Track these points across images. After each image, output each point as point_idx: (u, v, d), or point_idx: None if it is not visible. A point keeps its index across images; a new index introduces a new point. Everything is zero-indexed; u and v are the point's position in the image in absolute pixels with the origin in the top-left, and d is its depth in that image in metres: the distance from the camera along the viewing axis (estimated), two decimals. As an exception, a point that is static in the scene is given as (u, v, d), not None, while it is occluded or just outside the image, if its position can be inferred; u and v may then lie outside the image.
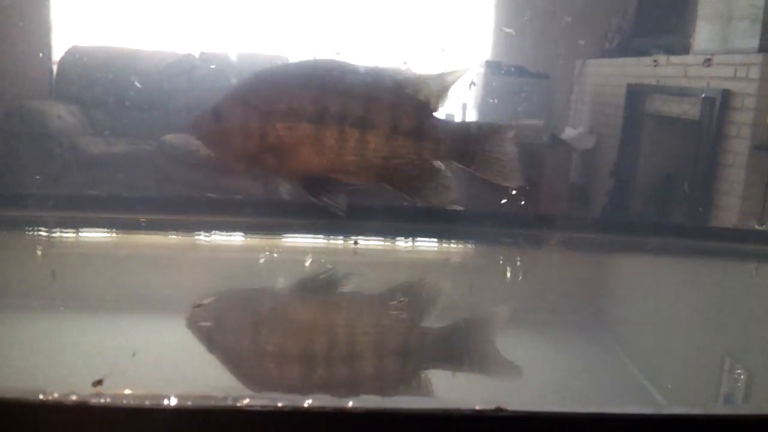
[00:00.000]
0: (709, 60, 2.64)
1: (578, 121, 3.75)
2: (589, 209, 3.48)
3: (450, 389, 0.65)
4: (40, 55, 3.33)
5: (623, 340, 0.82)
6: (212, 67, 3.45)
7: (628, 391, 0.68)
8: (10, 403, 0.50)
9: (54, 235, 1.04)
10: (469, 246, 1.18)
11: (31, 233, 1.05)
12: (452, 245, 1.17)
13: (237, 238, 1.11)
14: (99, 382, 0.54)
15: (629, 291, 1.04)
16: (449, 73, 0.99)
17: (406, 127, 0.94)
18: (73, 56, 3.39)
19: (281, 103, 0.92)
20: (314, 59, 0.98)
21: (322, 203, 0.97)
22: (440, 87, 0.97)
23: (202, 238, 1.08)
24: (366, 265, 1.03)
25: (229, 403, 0.51)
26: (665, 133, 3.05)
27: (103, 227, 1.07)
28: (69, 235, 1.07)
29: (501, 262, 1.15)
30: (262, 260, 1.03)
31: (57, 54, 3.42)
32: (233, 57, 3.53)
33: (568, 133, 3.63)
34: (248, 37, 3.61)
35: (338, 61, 0.98)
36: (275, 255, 1.06)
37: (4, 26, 3.02)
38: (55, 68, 3.40)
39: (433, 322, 0.81)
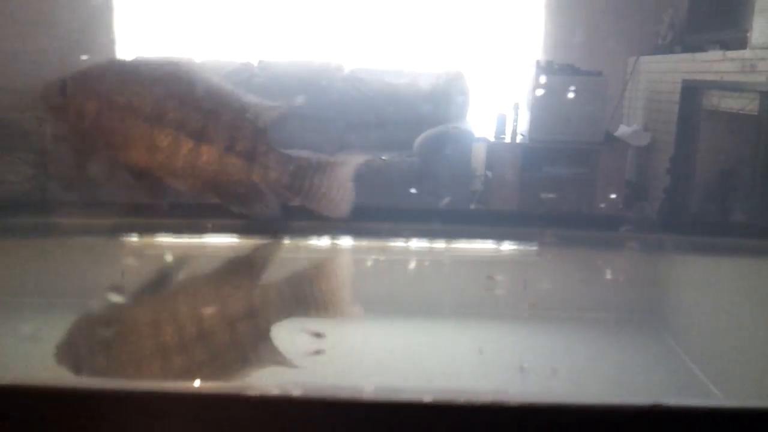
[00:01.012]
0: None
1: (632, 118, 3.74)
2: (646, 207, 3.46)
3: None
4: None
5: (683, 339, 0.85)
6: (270, 75, 3.54)
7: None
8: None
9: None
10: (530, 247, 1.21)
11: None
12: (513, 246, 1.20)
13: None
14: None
15: (691, 291, 1.05)
16: (277, 107, 1.02)
17: (240, 149, 0.96)
18: (137, 67, 3.52)
19: (122, 95, 0.94)
20: (177, 61, 1.00)
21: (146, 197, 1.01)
22: (275, 117, 0.99)
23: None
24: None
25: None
26: (722, 129, 3.03)
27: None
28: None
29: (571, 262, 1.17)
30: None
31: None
32: (290, 65, 3.62)
33: (622, 130, 3.62)
34: (304, 45, 3.70)
35: (196, 69, 1.01)
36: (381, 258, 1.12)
37: (71, 40, 3.16)
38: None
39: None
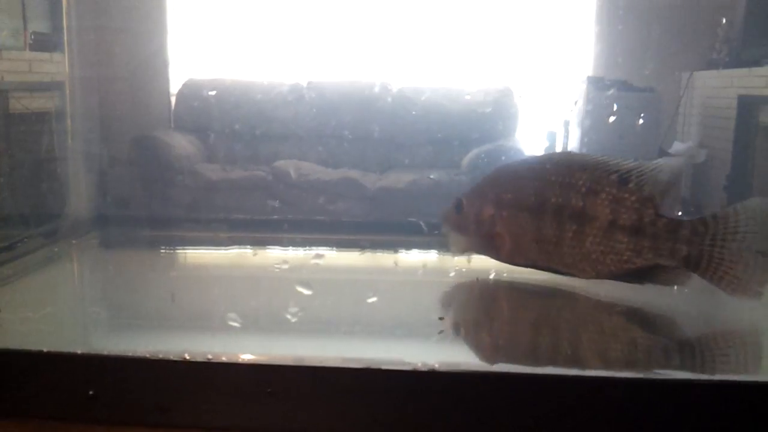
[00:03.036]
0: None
1: (687, 134, 3.68)
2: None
3: None
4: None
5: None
6: (319, 95, 3.59)
7: None
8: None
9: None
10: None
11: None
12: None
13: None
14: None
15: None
16: (675, 168, 0.92)
17: (623, 223, 0.89)
18: (189, 89, 3.59)
19: (508, 193, 0.96)
20: (549, 153, 1.00)
21: None
22: (666, 181, 0.90)
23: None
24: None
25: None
26: (780, 144, 2.97)
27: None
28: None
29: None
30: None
31: (175, 87, 3.63)
32: (338, 84, 3.66)
33: (677, 147, 3.56)
34: (353, 64, 3.73)
35: (571, 154, 1.01)
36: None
37: (134, 65, 3.25)
38: (173, 100, 3.61)
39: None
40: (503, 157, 3.28)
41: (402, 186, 3.32)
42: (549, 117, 3.70)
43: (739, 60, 3.32)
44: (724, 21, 3.45)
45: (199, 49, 3.71)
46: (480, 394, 0.65)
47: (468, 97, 3.64)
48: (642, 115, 2.98)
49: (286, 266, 1.04)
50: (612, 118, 3.27)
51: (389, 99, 3.66)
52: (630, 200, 0.89)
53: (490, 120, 3.57)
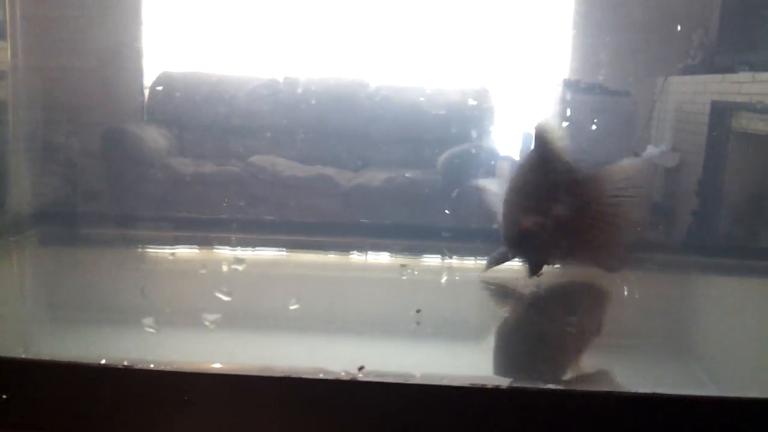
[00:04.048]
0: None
1: (660, 139, 3.69)
2: (674, 229, 3.41)
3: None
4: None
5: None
6: (296, 91, 3.57)
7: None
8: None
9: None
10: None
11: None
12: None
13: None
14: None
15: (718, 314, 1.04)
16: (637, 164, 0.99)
17: None
18: (163, 82, 3.56)
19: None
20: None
21: None
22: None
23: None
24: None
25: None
26: (752, 151, 2.98)
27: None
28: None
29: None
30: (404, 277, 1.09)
31: (148, 80, 3.59)
32: (315, 81, 3.64)
33: (650, 151, 3.57)
34: (330, 61, 3.71)
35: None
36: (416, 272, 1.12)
37: (103, 55, 3.21)
38: (146, 93, 3.58)
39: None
40: (478, 158, 3.29)
41: (377, 184, 3.32)
42: (525, 118, 3.70)
43: (713, 66, 3.34)
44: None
45: (174, 43, 3.68)
46: (404, 406, 0.65)
47: (445, 97, 3.63)
48: (595, 120, 2.98)
49: (204, 271, 1.03)
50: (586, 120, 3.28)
51: (366, 97, 3.65)
52: None
53: (467, 120, 3.57)
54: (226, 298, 0.84)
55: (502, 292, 1.05)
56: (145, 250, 1.13)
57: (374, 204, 3.26)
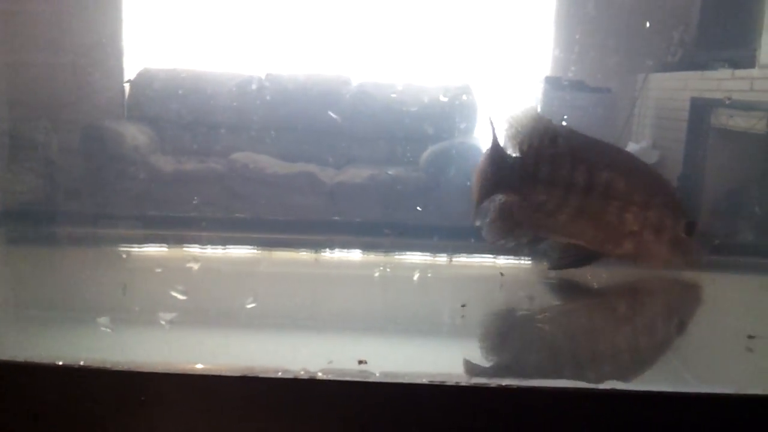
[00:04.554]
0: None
1: (641, 135, 3.71)
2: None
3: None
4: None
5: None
6: (278, 88, 3.56)
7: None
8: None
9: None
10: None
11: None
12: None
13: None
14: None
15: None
16: None
17: None
18: (144, 78, 3.54)
19: None
20: None
21: None
22: None
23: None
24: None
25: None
26: (731, 147, 3.00)
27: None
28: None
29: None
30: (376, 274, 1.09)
31: (129, 76, 3.57)
32: (297, 78, 3.63)
33: (631, 147, 3.59)
34: (312, 58, 3.70)
35: None
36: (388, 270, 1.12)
37: (81, 51, 3.19)
38: (127, 90, 3.55)
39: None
40: (461, 155, 3.29)
41: (360, 181, 3.31)
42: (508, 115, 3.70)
43: (692, 63, 3.36)
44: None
45: (156, 39, 3.66)
46: (364, 404, 0.65)
47: (428, 94, 3.63)
48: (565, 117, 2.99)
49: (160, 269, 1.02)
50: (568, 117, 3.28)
51: (349, 94, 3.64)
52: None
53: (450, 117, 3.57)
54: (181, 297, 0.84)
55: (568, 287, 1.05)
56: (112, 248, 1.13)
57: (358, 201, 3.25)
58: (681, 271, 1.04)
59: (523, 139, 1.01)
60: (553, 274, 1.04)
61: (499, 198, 1.01)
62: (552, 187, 0.98)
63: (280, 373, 0.64)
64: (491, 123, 1.02)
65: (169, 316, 0.76)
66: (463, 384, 0.66)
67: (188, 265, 0.99)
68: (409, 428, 0.65)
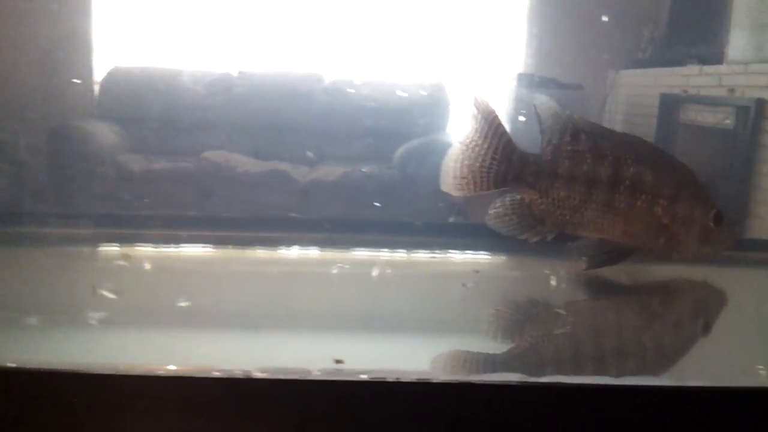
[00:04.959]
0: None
1: (612, 131, 3.73)
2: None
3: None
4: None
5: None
6: (250, 85, 3.54)
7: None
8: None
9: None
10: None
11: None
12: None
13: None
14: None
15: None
16: None
17: None
18: (114, 77, 3.50)
19: None
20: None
21: None
22: None
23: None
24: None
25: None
26: (699, 142, 3.03)
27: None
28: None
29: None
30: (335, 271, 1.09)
31: (98, 75, 3.53)
32: (270, 75, 3.61)
33: (602, 144, 3.61)
34: (285, 56, 3.69)
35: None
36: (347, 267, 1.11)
37: (48, 49, 3.15)
38: (96, 88, 3.51)
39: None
40: (434, 152, 3.28)
41: (333, 179, 3.30)
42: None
43: (662, 59, 3.39)
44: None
45: (127, 37, 3.62)
46: (301, 402, 0.64)
47: (401, 91, 3.63)
48: (523, 111, 3.01)
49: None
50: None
51: (322, 91, 3.63)
52: None
53: (423, 114, 3.57)
54: (111, 296, 0.83)
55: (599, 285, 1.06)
56: (76, 249, 1.11)
57: (331, 199, 3.24)
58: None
59: (542, 136, 1.00)
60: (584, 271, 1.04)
61: (511, 195, 1.01)
62: (573, 183, 0.97)
63: (215, 373, 0.63)
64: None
65: (98, 315, 0.75)
66: (402, 381, 0.65)
67: (118, 262, 0.98)
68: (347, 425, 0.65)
